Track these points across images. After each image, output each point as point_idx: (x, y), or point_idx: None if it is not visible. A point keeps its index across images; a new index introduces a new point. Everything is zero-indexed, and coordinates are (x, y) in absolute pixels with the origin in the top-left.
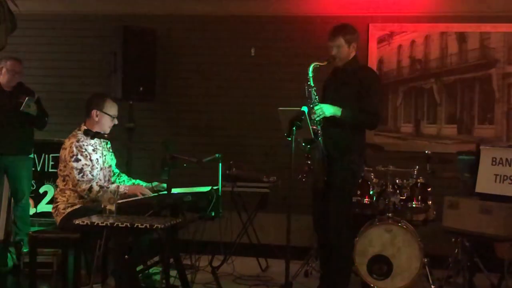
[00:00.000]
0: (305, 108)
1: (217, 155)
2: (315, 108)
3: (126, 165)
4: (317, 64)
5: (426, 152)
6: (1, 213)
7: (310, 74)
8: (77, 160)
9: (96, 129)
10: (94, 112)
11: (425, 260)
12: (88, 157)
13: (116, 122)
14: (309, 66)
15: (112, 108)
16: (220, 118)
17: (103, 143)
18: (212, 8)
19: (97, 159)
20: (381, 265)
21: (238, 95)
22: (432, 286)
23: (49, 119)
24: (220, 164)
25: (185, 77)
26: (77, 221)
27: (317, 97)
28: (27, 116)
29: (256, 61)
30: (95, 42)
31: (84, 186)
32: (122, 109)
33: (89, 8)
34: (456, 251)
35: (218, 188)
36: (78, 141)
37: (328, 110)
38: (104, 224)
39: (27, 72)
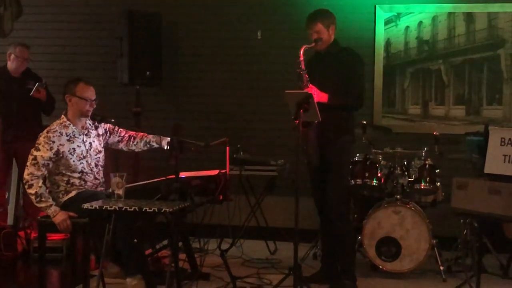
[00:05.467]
0: None
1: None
2: None
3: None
4: (307, 47)
5: (434, 133)
6: (10, 198)
7: (302, 58)
8: (37, 150)
9: (75, 114)
10: (66, 97)
11: (434, 242)
12: (54, 149)
13: (94, 105)
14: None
15: (85, 91)
16: (227, 102)
17: (91, 130)
18: None
19: (73, 148)
20: (390, 247)
21: (245, 78)
22: (441, 267)
23: (56, 104)
24: (228, 147)
25: (191, 61)
26: (85, 206)
27: (308, 80)
28: (36, 102)
29: (263, 44)
30: (101, 27)
31: (27, 177)
32: (129, 94)
33: None
34: (464, 232)
35: (226, 172)
36: (48, 131)
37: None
38: (112, 209)
39: (33, 57)
